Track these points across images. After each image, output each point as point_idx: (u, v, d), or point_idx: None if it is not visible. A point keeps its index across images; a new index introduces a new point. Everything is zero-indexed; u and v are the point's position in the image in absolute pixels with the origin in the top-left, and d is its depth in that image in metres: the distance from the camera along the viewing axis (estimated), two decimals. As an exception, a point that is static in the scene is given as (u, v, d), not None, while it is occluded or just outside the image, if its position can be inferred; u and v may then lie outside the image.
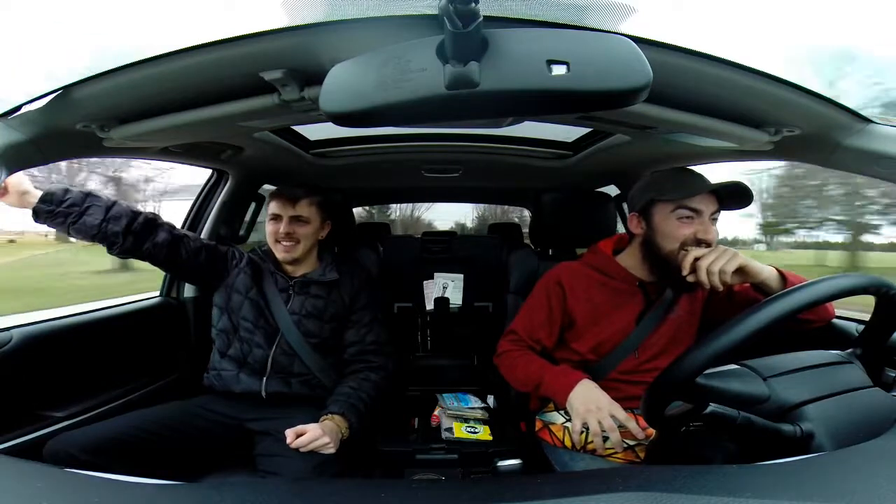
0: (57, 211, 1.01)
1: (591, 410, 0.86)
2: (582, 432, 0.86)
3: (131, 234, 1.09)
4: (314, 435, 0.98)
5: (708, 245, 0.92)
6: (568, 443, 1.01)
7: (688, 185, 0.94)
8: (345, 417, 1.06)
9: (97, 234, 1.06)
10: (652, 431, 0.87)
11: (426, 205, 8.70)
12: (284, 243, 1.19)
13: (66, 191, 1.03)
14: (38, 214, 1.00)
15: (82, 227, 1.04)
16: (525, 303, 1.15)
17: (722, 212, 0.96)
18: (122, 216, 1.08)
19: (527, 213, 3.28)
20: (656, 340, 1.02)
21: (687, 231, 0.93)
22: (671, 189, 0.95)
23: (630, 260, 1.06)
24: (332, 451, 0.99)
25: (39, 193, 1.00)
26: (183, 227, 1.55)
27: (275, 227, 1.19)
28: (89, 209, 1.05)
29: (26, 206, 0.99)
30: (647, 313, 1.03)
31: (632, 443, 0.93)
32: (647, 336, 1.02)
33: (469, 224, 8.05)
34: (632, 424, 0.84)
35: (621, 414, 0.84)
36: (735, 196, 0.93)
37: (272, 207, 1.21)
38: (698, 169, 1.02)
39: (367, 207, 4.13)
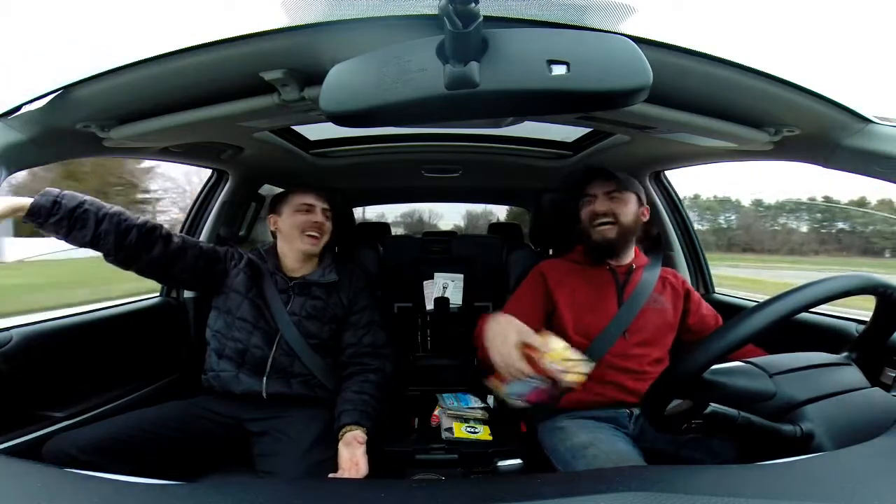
0: (46, 224, 0.96)
1: (496, 347, 0.74)
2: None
3: (123, 250, 1.05)
4: (354, 472, 0.99)
5: (605, 216, 1.11)
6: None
7: (584, 177, 1.20)
8: (360, 426, 1.07)
9: (91, 246, 1.02)
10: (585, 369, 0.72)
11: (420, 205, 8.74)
12: (313, 234, 1.16)
13: (55, 203, 0.95)
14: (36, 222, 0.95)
15: (73, 241, 1.00)
16: (512, 295, 1.22)
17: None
18: (111, 231, 1.02)
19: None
20: (644, 326, 1.09)
21: (587, 209, 1.16)
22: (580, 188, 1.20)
23: None
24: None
25: (27, 206, 0.92)
26: (183, 228, 1.55)
27: (306, 217, 1.16)
28: (77, 223, 0.98)
29: (17, 217, 0.93)
30: (625, 294, 1.12)
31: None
32: (634, 318, 1.08)
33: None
34: (547, 360, 0.69)
35: (535, 339, 0.73)
36: (605, 175, 1.15)
37: (303, 199, 1.19)
38: (698, 169, 1.04)
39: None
